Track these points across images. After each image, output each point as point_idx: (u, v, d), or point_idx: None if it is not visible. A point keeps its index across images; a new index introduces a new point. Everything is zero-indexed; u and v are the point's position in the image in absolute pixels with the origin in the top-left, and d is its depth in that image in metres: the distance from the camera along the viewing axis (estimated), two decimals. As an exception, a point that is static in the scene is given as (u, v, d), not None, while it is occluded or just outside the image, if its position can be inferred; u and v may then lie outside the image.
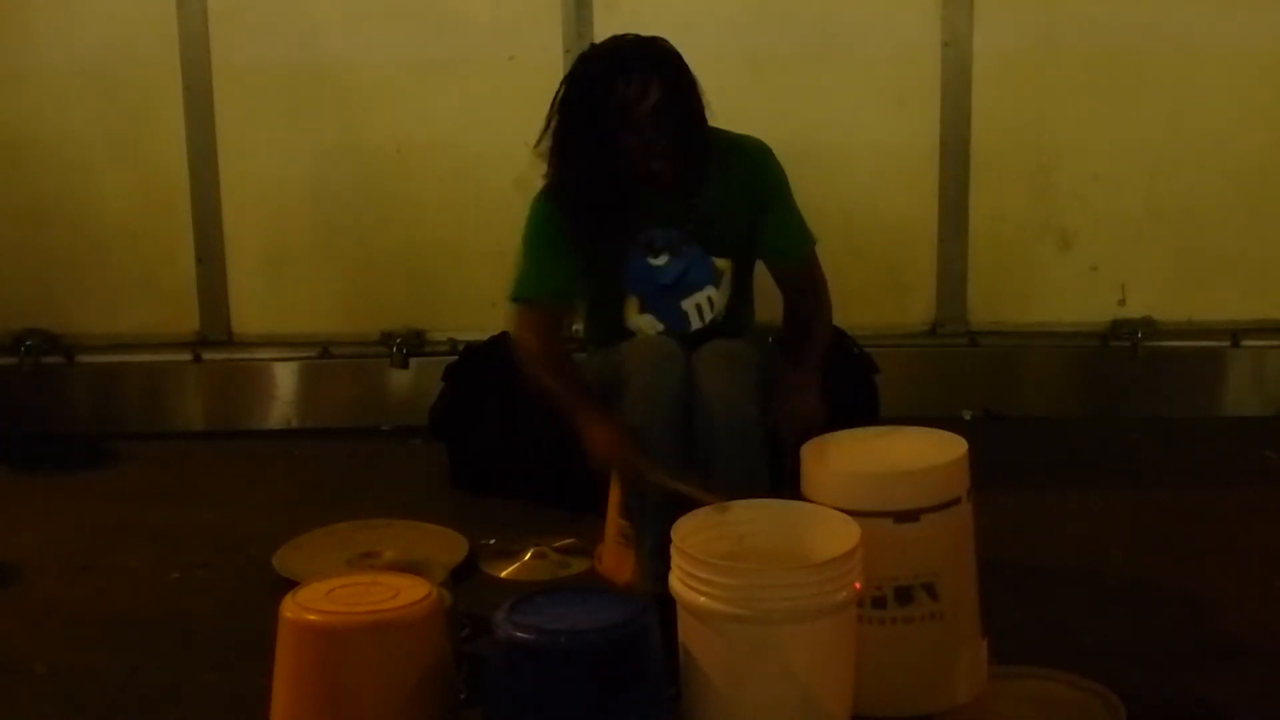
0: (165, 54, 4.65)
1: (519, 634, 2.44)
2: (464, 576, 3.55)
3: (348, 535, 3.79)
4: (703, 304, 3.27)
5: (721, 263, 3.28)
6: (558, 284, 3.25)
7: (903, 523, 2.64)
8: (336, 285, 4.82)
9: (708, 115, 3.22)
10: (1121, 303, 4.74)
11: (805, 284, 3.33)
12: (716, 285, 3.28)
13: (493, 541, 3.75)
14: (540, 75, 4.49)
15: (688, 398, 3.06)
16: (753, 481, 2.94)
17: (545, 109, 3.32)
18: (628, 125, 3.08)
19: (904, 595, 2.67)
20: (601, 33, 4.53)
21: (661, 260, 3.24)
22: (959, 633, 2.74)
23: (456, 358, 4.50)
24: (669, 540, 2.72)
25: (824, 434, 2.89)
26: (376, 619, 2.54)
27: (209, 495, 4.26)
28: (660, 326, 3.27)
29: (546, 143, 3.24)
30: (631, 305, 3.28)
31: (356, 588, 2.64)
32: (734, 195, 3.26)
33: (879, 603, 2.67)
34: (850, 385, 4.25)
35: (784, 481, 2.91)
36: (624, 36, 3.23)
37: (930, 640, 2.69)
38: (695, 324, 3.27)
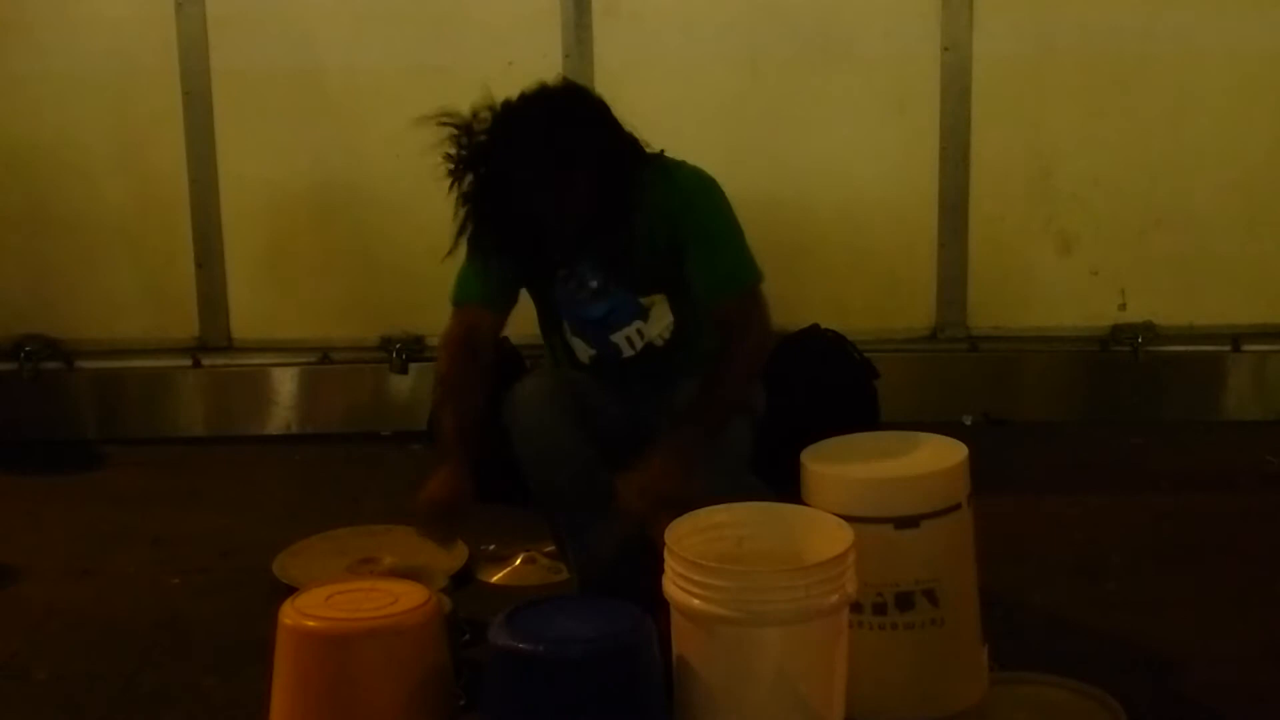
0: (164, 59, 4.65)
1: (516, 643, 2.43)
2: (464, 582, 3.55)
3: (347, 541, 3.79)
4: (632, 336, 3.23)
5: (648, 299, 3.22)
6: (483, 288, 3.20)
7: (903, 528, 2.63)
8: (336, 290, 4.82)
9: (642, 148, 3.09)
10: (1122, 307, 4.74)
11: (732, 325, 3.06)
12: (644, 319, 3.22)
13: (491, 547, 3.75)
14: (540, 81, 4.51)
15: (573, 419, 3.05)
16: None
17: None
18: (533, 222, 3.02)
19: (905, 601, 2.66)
20: (601, 38, 4.54)
21: (587, 298, 3.18)
22: (960, 638, 2.74)
23: (456, 363, 4.49)
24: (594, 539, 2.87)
25: (680, 514, 2.60)
26: (375, 625, 2.53)
27: (208, 500, 4.26)
28: (592, 353, 3.25)
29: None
30: (566, 328, 3.26)
31: (356, 594, 2.63)
32: (656, 231, 3.10)
33: (879, 609, 2.66)
34: (850, 390, 4.25)
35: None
36: (520, 108, 3.02)
37: (931, 646, 2.68)
38: (628, 352, 3.23)
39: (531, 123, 2.97)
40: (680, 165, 3.18)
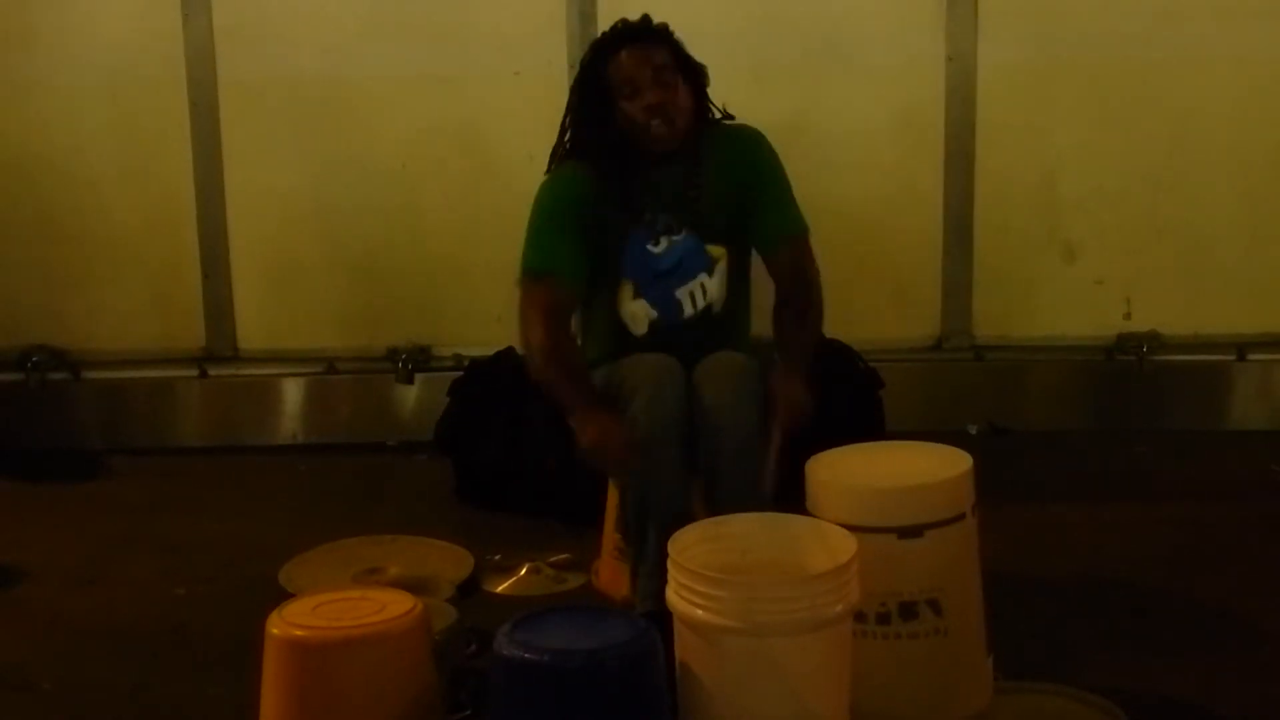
0: (171, 70, 4.66)
1: (520, 652, 2.43)
2: (471, 592, 3.55)
3: (353, 550, 3.79)
4: (695, 292, 3.28)
5: (715, 250, 3.30)
6: (564, 258, 3.26)
7: (906, 538, 2.64)
8: (342, 300, 4.83)
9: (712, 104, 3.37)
10: (1127, 316, 4.73)
11: (797, 272, 3.30)
12: (710, 273, 3.29)
13: (497, 557, 3.75)
14: (546, 90, 4.52)
15: (689, 413, 3.06)
16: (756, 495, 2.95)
17: (551, 123, 3.36)
18: (626, 89, 3.20)
19: (908, 611, 2.66)
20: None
21: (660, 248, 3.26)
22: (964, 648, 2.74)
23: (461, 373, 4.50)
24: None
25: (812, 424, 3.01)
26: (357, 634, 2.52)
27: (215, 510, 4.26)
28: (653, 314, 3.28)
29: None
30: (626, 291, 3.28)
31: (344, 602, 2.62)
32: (725, 179, 3.30)
33: (883, 618, 2.66)
34: (855, 399, 4.25)
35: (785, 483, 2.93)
36: (626, 20, 3.35)
37: (935, 656, 2.68)
38: (688, 311, 3.28)
39: (637, 22, 3.32)
40: (730, 122, 3.42)
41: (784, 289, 3.32)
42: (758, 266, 3.43)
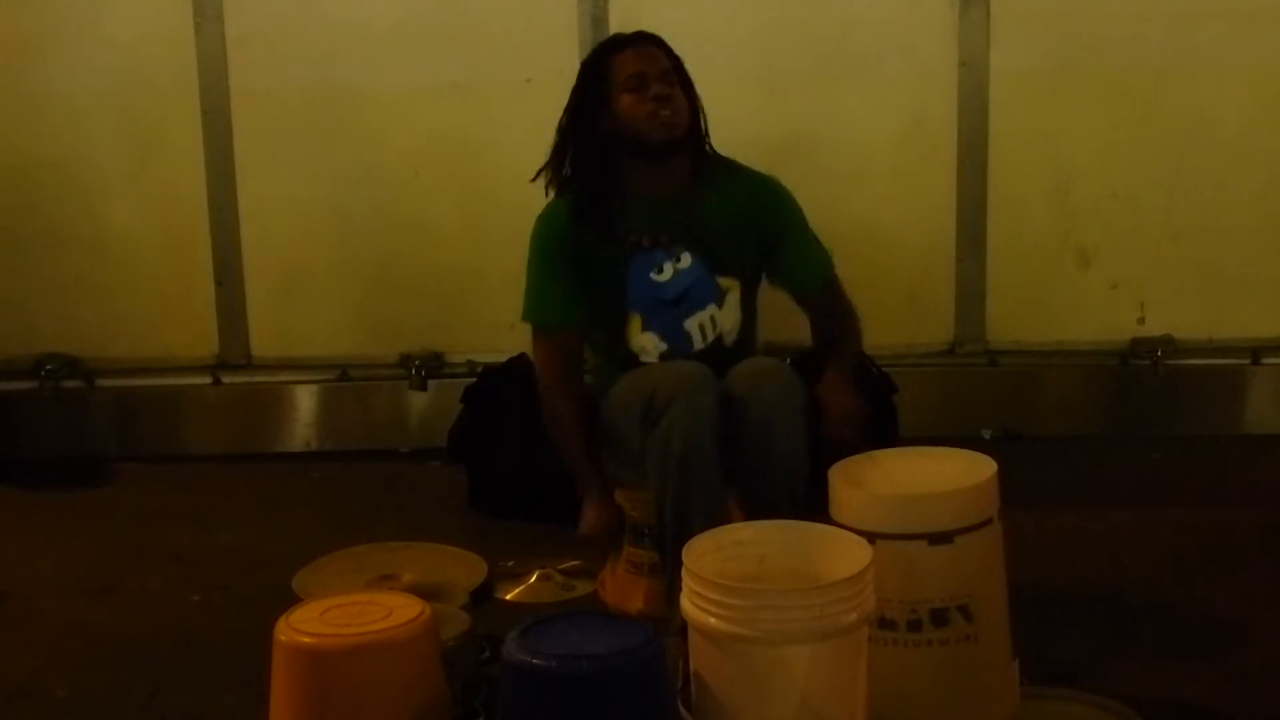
0: (183, 79, 4.67)
1: (528, 658, 2.43)
2: (484, 598, 3.55)
3: (367, 557, 3.79)
4: (705, 324, 3.26)
5: (725, 281, 3.28)
6: (558, 306, 3.27)
7: (937, 544, 2.62)
8: (355, 308, 4.83)
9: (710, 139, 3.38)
10: (1141, 321, 4.73)
11: (831, 308, 3.35)
12: (720, 305, 3.27)
13: (511, 563, 3.75)
14: (558, 97, 4.50)
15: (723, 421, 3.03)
16: (802, 503, 2.94)
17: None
18: (632, 82, 3.21)
19: (939, 617, 2.64)
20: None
21: (664, 275, 3.24)
22: (993, 653, 2.72)
23: (475, 379, 4.50)
24: None
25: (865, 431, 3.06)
26: (364, 640, 2.51)
27: (228, 518, 4.26)
28: (663, 347, 3.26)
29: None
30: (634, 324, 3.27)
31: (351, 608, 2.61)
32: (740, 218, 3.29)
33: (914, 625, 2.64)
34: (869, 405, 4.23)
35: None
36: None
37: (966, 661, 2.67)
38: (698, 344, 3.26)
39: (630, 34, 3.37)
40: (751, 168, 3.40)
41: (823, 324, 3.37)
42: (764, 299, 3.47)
